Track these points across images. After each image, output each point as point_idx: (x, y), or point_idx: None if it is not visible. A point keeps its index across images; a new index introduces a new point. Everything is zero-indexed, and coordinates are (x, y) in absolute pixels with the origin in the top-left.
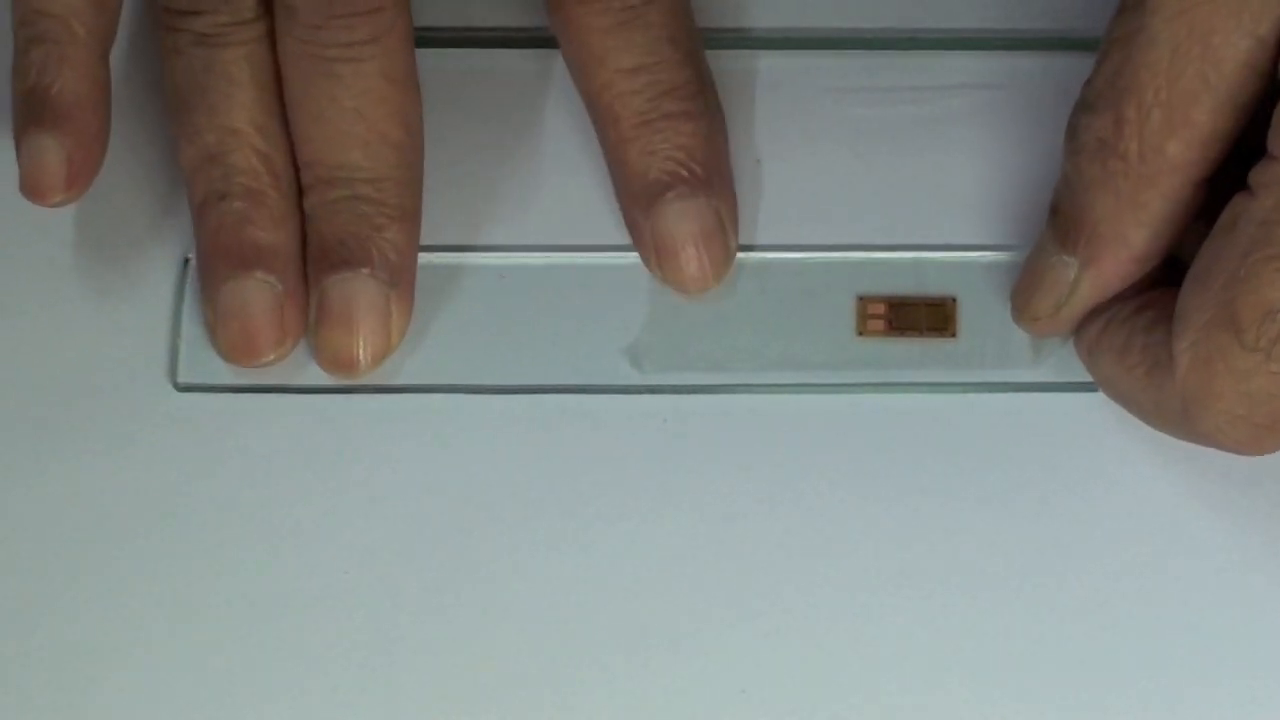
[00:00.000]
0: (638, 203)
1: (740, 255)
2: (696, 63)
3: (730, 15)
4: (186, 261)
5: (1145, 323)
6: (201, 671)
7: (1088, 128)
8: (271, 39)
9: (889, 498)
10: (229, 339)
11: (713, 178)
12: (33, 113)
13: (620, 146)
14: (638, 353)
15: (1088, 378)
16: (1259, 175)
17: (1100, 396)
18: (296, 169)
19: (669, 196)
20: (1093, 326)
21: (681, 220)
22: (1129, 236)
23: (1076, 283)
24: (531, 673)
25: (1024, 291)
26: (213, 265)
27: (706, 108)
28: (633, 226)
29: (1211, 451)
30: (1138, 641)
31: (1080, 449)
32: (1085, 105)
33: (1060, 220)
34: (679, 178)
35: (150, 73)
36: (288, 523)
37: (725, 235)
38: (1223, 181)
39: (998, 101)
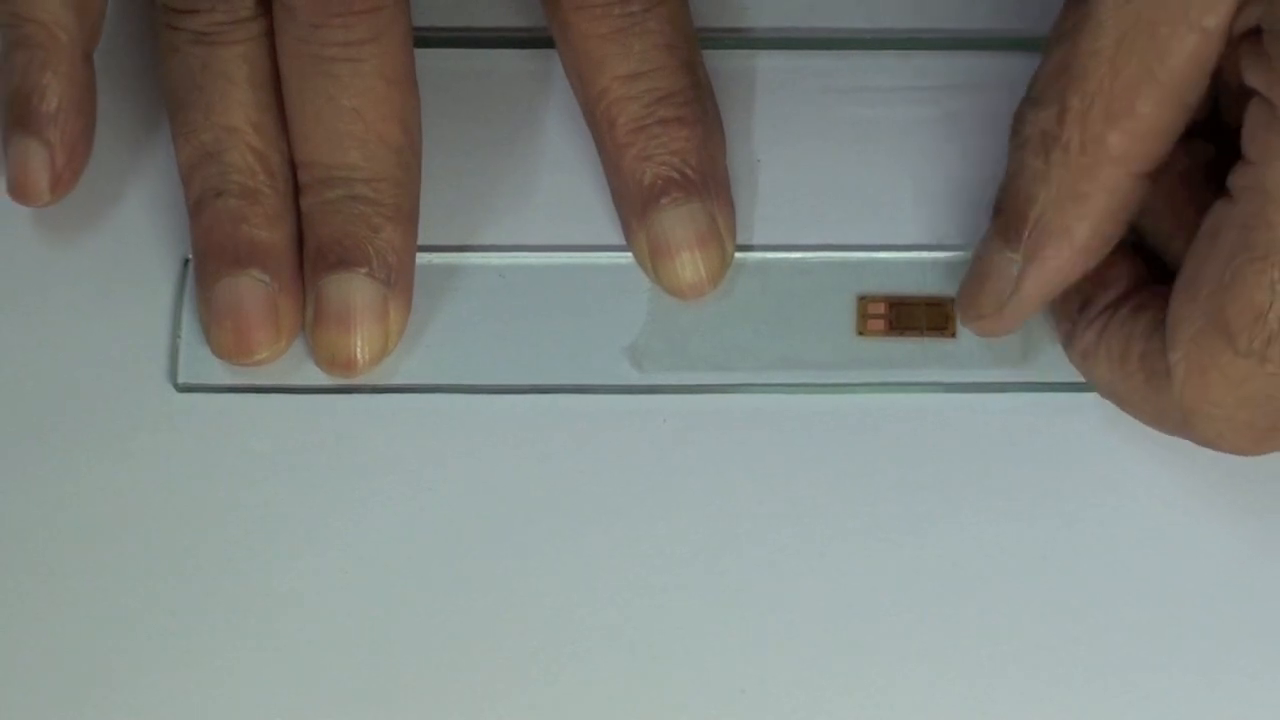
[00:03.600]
0: (633, 208)
1: (740, 255)
2: (694, 69)
3: (730, 15)
4: (186, 261)
5: (1142, 328)
6: (201, 671)
7: (1032, 121)
8: (269, 38)
9: (889, 497)
10: (222, 336)
11: (708, 182)
12: (16, 117)
13: (616, 152)
14: (638, 353)
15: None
16: (1237, 179)
17: (1099, 397)
18: (294, 167)
19: (664, 202)
20: (1088, 331)
21: (677, 225)
22: (1072, 230)
23: (1020, 278)
24: (531, 672)
25: (968, 290)
26: (207, 263)
27: (703, 114)
28: (629, 232)
29: (1209, 451)
30: (1138, 641)
31: (1079, 449)
32: (1029, 99)
33: (1003, 217)
34: (674, 182)
35: (151, 73)
36: (288, 523)
37: (721, 240)
38: (1210, 186)
39: (998, 101)
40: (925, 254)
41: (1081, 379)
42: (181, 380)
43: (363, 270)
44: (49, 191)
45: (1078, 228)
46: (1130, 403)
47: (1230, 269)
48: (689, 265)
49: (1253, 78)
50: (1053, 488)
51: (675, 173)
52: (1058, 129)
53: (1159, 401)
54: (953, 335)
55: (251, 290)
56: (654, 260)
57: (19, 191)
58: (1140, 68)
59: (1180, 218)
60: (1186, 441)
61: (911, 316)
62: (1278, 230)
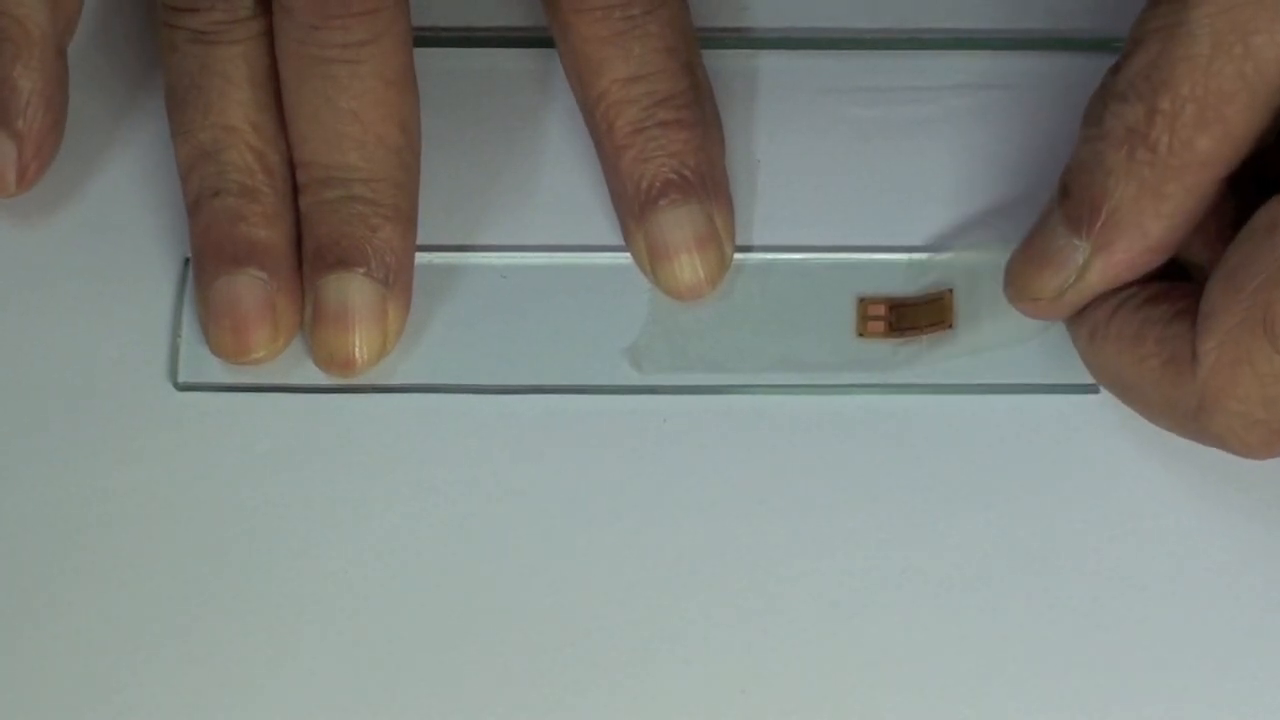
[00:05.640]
0: (631, 210)
1: (740, 256)
2: (693, 71)
3: (730, 15)
4: (187, 261)
5: (1163, 314)
6: (201, 671)
7: (1116, 114)
8: (268, 37)
9: (889, 498)
10: (220, 335)
11: (707, 184)
12: None
13: (615, 154)
14: (638, 353)
15: (1088, 379)
16: None
17: (1099, 398)
18: (292, 167)
19: (662, 203)
20: (1099, 311)
21: (676, 227)
22: (1147, 227)
23: (1086, 268)
24: (531, 672)
25: (1026, 271)
26: (205, 261)
27: (703, 116)
28: (627, 234)
29: (1210, 452)
30: (1138, 642)
31: (1080, 450)
32: (1114, 93)
33: (1073, 204)
34: (672, 184)
35: (150, 72)
36: (288, 522)
37: (720, 241)
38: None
39: (998, 101)
40: (925, 254)
41: (1081, 380)
42: (181, 380)
43: (361, 270)
44: (14, 184)
45: (1154, 225)
46: (1136, 389)
47: None
48: (687, 267)
49: None
50: (1053, 488)
51: (674, 174)
52: (1146, 128)
53: (1171, 389)
54: (950, 326)
55: (249, 289)
56: (652, 262)
57: None
58: (1234, 75)
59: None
60: (1187, 442)
61: (910, 316)
62: None
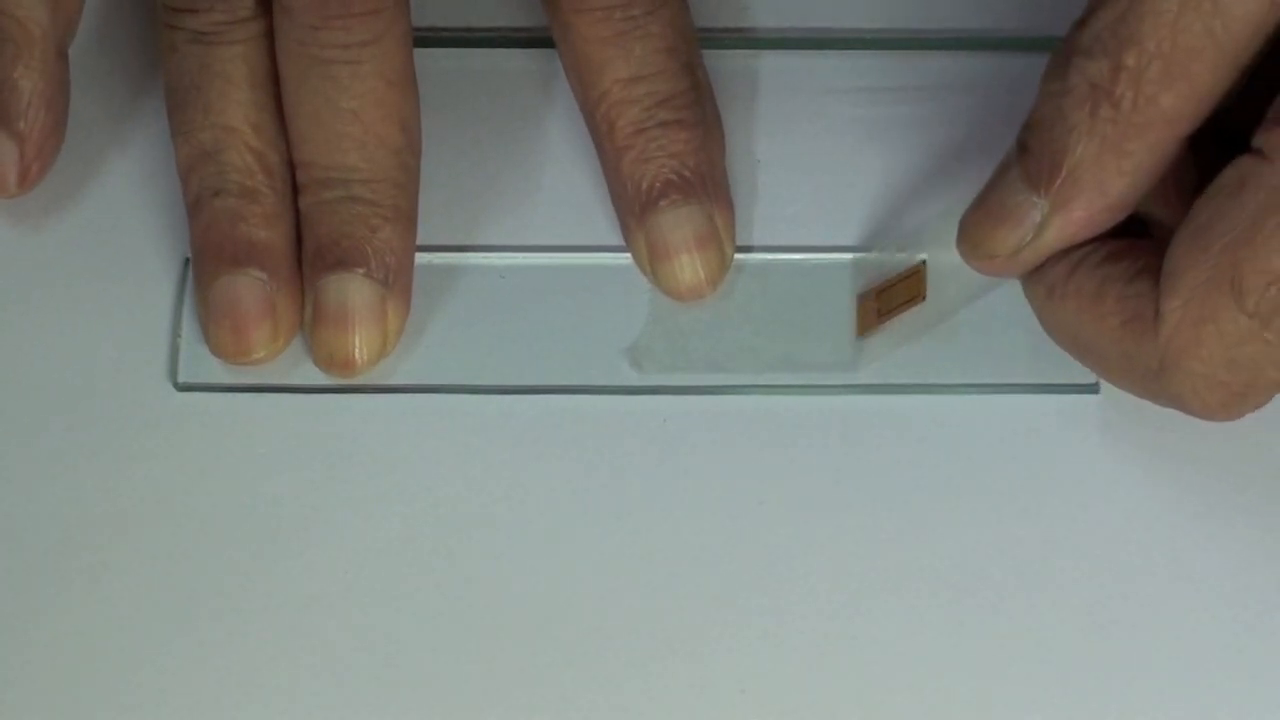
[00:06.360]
0: (632, 210)
1: (740, 256)
2: (694, 72)
3: (730, 15)
4: (187, 261)
5: (1123, 272)
6: (201, 671)
7: (1080, 70)
8: (268, 37)
9: (889, 498)
10: (220, 335)
11: (707, 184)
12: None
13: (615, 154)
14: (638, 353)
15: (1088, 379)
16: (1272, 139)
17: (1099, 398)
18: (292, 167)
19: (662, 204)
20: (1057, 268)
21: (676, 227)
22: (1108, 185)
23: (1044, 225)
24: (531, 672)
25: (982, 228)
26: (205, 262)
27: (703, 117)
28: (628, 234)
29: (1210, 453)
30: (1137, 642)
31: (1079, 450)
32: (1079, 48)
33: (1032, 160)
34: (673, 184)
35: (150, 72)
36: (288, 522)
37: (720, 242)
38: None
39: (998, 101)
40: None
41: (1082, 381)
42: (181, 379)
43: (361, 270)
44: (16, 184)
45: (1115, 183)
46: (1095, 348)
47: (1255, 228)
48: (688, 267)
49: None
50: (1052, 488)
51: (674, 174)
52: (1110, 84)
53: (1132, 348)
54: (923, 299)
55: (249, 289)
56: (653, 262)
57: None
58: (1203, 32)
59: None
60: (1186, 443)
61: (890, 298)
62: None
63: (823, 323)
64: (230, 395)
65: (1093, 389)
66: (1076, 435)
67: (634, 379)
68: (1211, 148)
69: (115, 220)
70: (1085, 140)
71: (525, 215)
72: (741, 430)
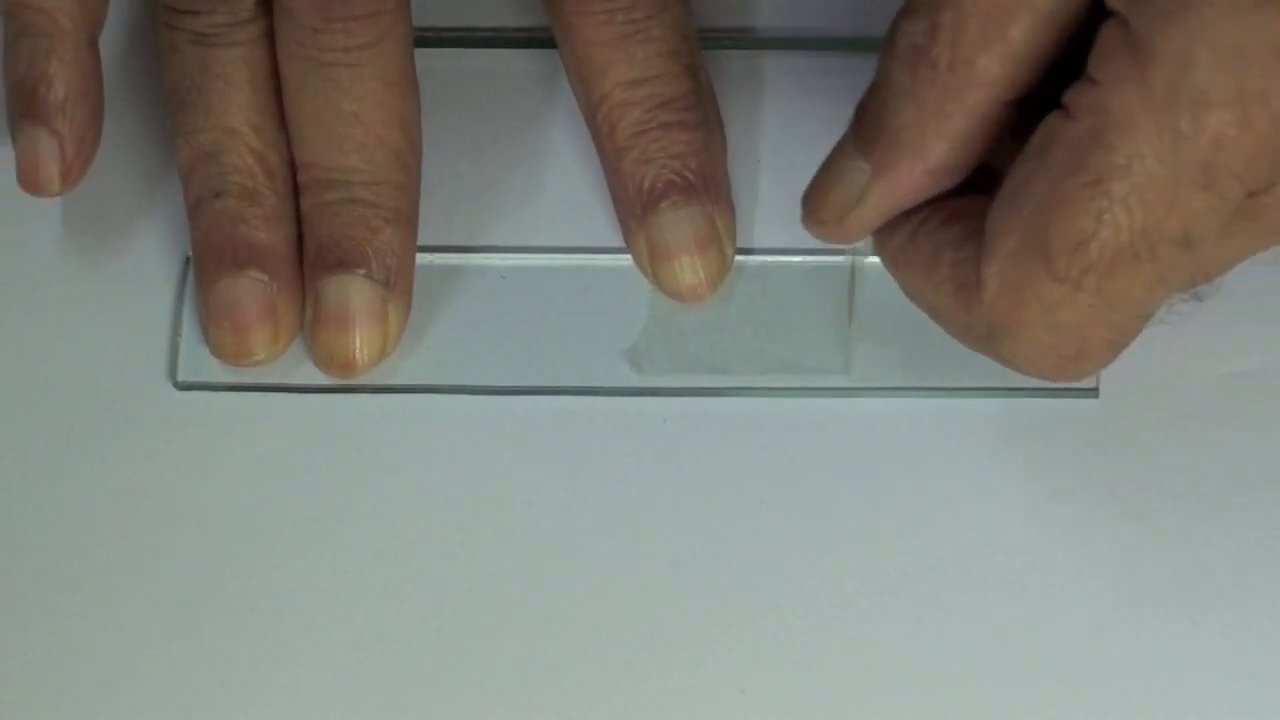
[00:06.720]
0: (633, 211)
1: (740, 258)
2: (695, 74)
3: (731, 16)
4: (187, 261)
5: (954, 236)
6: (201, 670)
7: (904, 31)
8: (269, 39)
9: (888, 500)
10: (221, 337)
11: (708, 185)
12: (23, 106)
13: (616, 155)
14: (638, 355)
15: (1088, 383)
16: (1076, 97)
17: (1099, 401)
18: (293, 168)
19: (663, 205)
20: (898, 233)
21: (677, 228)
22: (926, 148)
23: (866, 190)
24: (531, 673)
25: (814, 192)
26: (206, 263)
27: (704, 119)
28: (629, 235)
29: (1209, 453)
30: (1137, 643)
31: (1078, 452)
32: (905, 9)
33: (862, 125)
34: (674, 185)
35: (151, 72)
36: (287, 522)
37: (721, 243)
38: (1036, 102)
39: None
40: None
41: (1082, 384)
42: (181, 379)
43: (362, 271)
44: (60, 181)
45: (934, 147)
46: (938, 313)
47: (1059, 189)
48: (688, 268)
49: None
50: (1051, 491)
51: (675, 176)
52: (928, 44)
53: (966, 315)
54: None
55: (250, 291)
56: (653, 263)
57: (29, 182)
58: None
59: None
60: (1186, 443)
61: None
62: (1115, 155)
63: (822, 325)
64: (230, 395)
65: (1092, 393)
66: (1075, 438)
67: (634, 380)
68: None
69: (115, 220)
70: (906, 103)
71: (525, 216)
72: (741, 431)
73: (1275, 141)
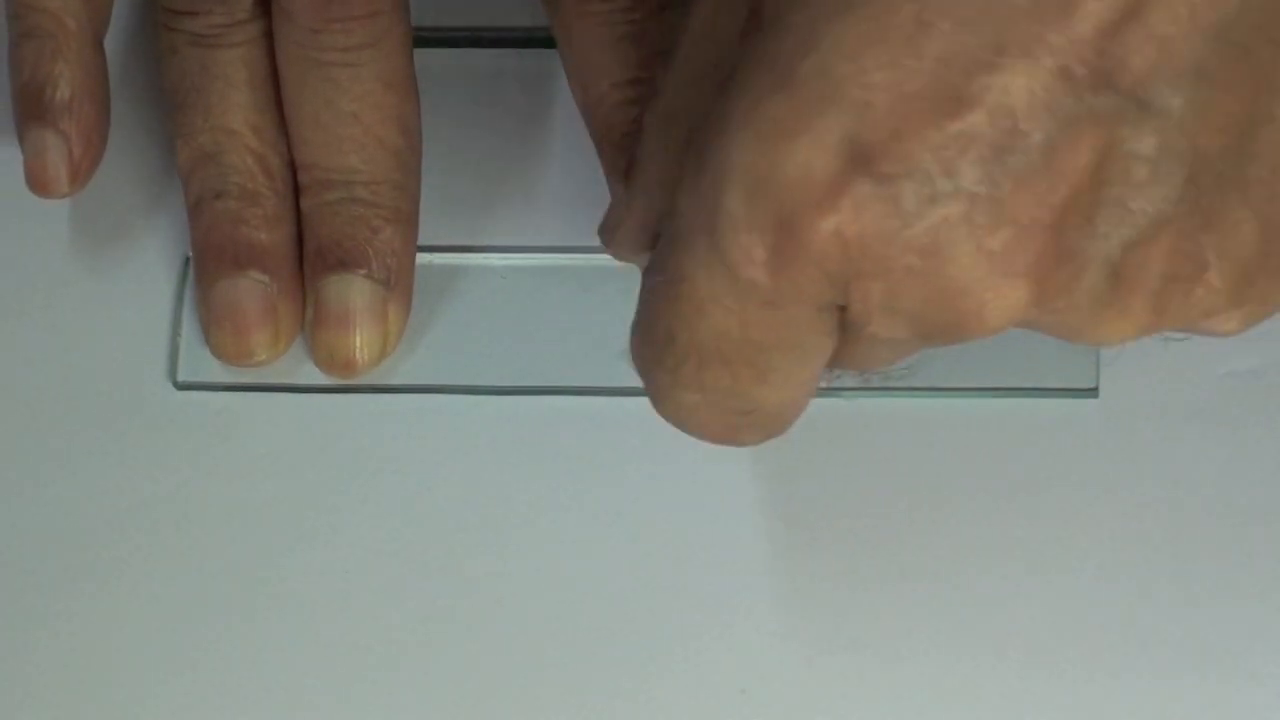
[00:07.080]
0: None
1: None
2: None
3: None
4: (187, 261)
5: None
6: (201, 671)
7: None
8: (268, 39)
9: (889, 500)
10: (221, 337)
11: None
12: (30, 108)
13: (616, 156)
14: None
15: (1087, 383)
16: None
17: (1099, 401)
18: (293, 169)
19: None
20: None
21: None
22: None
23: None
24: (531, 672)
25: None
26: (206, 264)
27: None
28: None
29: (1209, 454)
30: (1137, 643)
31: (1078, 453)
32: None
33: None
34: None
35: (150, 72)
36: (288, 522)
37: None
38: None
39: None
40: None
41: (1081, 384)
42: (181, 378)
43: (362, 271)
44: (68, 183)
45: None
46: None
47: None
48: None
49: None
50: (1051, 491)
51: None
52: None
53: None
54: None
55: (250, 291)
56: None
57: (38, 184)
58: None
59: None
60: (1185, 444)
61: None
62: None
63: None
64: (230, 395)
65: (1092, 393)
66: (1075, 438)
67: (634, 380)
68: None
69: (115, 220)
70: None
71: (525, 216)
72: None
73: None
